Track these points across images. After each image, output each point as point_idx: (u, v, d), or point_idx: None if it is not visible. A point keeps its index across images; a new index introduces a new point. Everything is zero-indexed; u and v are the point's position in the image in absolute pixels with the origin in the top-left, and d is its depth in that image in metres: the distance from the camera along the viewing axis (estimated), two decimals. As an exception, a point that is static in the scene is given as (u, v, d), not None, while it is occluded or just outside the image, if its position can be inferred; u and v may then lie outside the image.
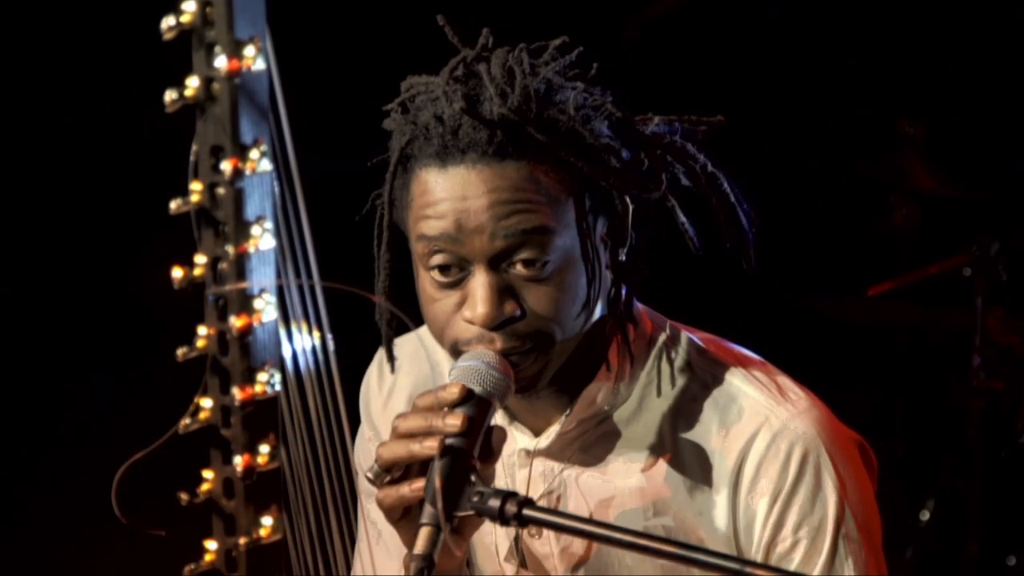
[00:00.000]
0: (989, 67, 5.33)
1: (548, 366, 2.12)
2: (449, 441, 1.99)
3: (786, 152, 5.45)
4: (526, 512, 1.89)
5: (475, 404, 2.03)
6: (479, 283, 2.08)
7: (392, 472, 2.01)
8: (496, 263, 2.08)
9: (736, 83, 5.41)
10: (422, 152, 2.09)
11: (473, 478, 1.95)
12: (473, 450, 1.99)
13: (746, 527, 2.18)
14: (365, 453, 2.37)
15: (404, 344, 2.35)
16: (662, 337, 2.24)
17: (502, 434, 2.04)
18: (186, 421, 2.25)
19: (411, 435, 2.00)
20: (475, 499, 1.92)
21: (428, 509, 1.94)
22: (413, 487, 2.00)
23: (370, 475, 2.03)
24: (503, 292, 2.08)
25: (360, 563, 2.39)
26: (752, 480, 2.17)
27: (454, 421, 1.99)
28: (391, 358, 2.24)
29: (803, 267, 5.43)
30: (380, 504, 2.03)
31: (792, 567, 2.16)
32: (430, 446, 1.97)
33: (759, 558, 2.18)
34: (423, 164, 2.09)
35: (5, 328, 4.68)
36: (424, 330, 2.35)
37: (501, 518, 1.90)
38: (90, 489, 2.48)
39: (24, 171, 4.61)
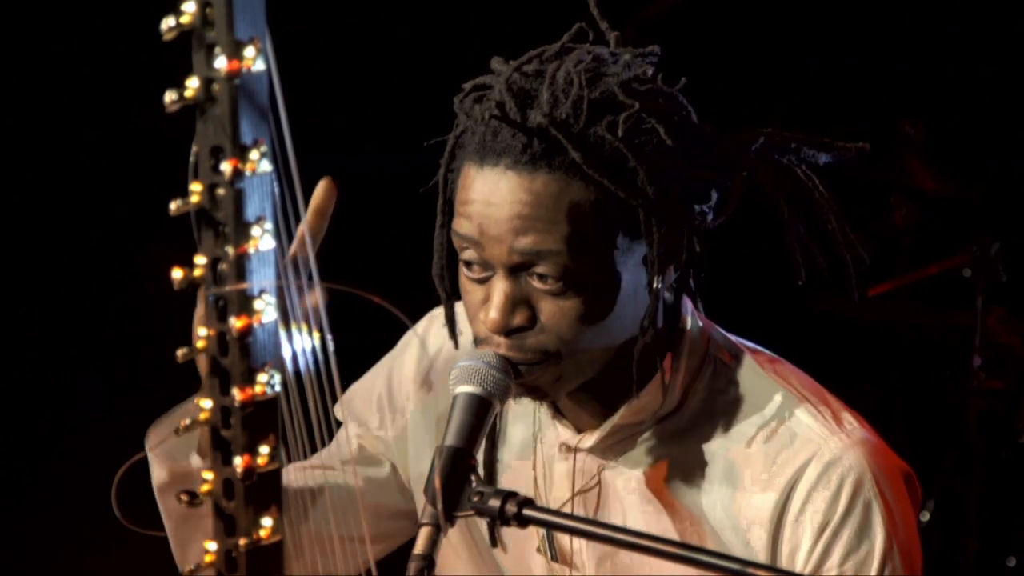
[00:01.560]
0: (989, 67, 5.33)
1: (563, 378, 2.11)
2: (449, 442, 1.99)
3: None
4: (526, 512, 1.89)
5: (476, 405, 2.03)
6: (496, 289, 2.09)
7: None
8: (516, 271, 2.08)
9: (736, 83, 5.41)
10: (467, 146, 2.10)
11: (473, 478, 1.95)
12: (474, 450, 1.99)
13: (789, 555, 2.17)
14: (367, 393, 2.42)
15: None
16: (721, 355, 2.23)
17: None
18: (186, 422, 2.24)
19: None
20: (475, 499, 1.92)
21: (428, 509, 1.94)
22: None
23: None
24: (518, 301, 2.08)
25: None
26: (800, 509, 2.16)
27: None
28: (452, 328, 2.25)
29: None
30: None
31: None
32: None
33: None
34: (467, 158, 2.10)
35: (5, 328, 4.69)
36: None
37: (501, 518, 1.90)
38: (90, 489, 2.48)
39: (24, 172, 4.61)
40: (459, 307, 2.26)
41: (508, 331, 2.08)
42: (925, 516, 5.03)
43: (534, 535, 2.27)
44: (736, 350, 2.25)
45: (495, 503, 1.91)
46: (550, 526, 1.94)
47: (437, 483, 1.93)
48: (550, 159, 2.04)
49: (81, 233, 4.68)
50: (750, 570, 1.81)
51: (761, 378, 2.23)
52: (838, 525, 2.15)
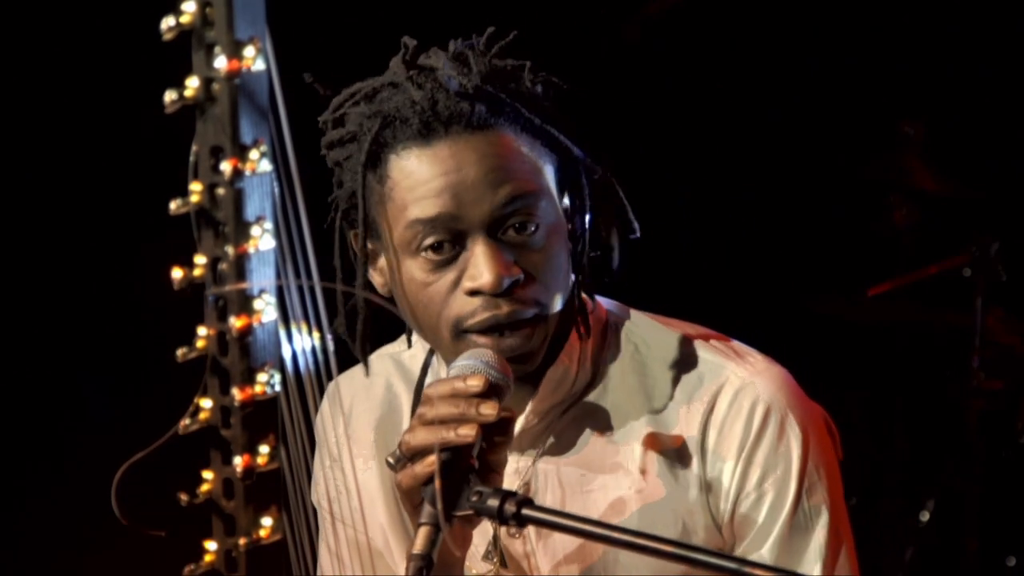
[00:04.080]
0: (989, 67, 5.33)
1: (547, 339, 2.14)
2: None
3: (786, 152, 5.45)
4: (525, 511, 1.89)
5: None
6: (480, 251, 2.08)
7: (415, 459, 2.01)
8: (493, 231, 2.09)
9: (736, 83, 5.41)
10: (398, 137, 2.10)
11: (471, 477, 1.95)
12: (472, 450, 1.99)
13: (715, 485, 2.20)
14: (326, 482, 2.39)
15: (354, 376, 2.37)
16: (617, 320, 2.27)
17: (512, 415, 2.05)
18: (186, 422, 2.24)
19: (442, 422, 2.00)
20: (474, 499, 1.92)
21: (427, 509, 1.94)
22: (425, 463, 1.99)
23: (391, 460, 2.03)
24: (504, 256, 2.09)
25: None
26: (717, 437, 2.19)
27: (489, 411, 1.99)
28: (366, 361, 2.25)
29: (803, 267, 5.43)
30: (399, 488, 2.03)
31: (759, 520, 2.19)
32: (466, 433, 1.97)
33: (727, 513, 2.20)
34: (401, 148, 2.10)
35: (5, 329, 4.68)
36: (369, 361, 2.37)
37: (500, 517, 1.90)
38: (90, 489, 2.48)
39: (24, 172, 4.61)
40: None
41: (504, 288, 2.08)
42: (925, 516, 5.03)
43: (477, 545, 2.26)
44: (627, 313, 2.29)
45: (494, 502, 1.90)
46: (549, 525, 1.94)
47: (436, 482, 1.92)
48: (495, 116, 2.09)
49: (81, 233, 4.68)
50: (747, 569, 1.81)
51: (662, 332, 2.26)
52: (753, 446, 2.19)
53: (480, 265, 2.08)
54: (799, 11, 5.39)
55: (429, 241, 2.10)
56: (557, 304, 2.13)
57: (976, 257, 4.74)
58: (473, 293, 2.09)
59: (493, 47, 2.15)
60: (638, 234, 2.25)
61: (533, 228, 2.10)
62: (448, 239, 2.09)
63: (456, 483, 1.94)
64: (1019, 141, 5.29)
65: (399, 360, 2.38)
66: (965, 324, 4.81)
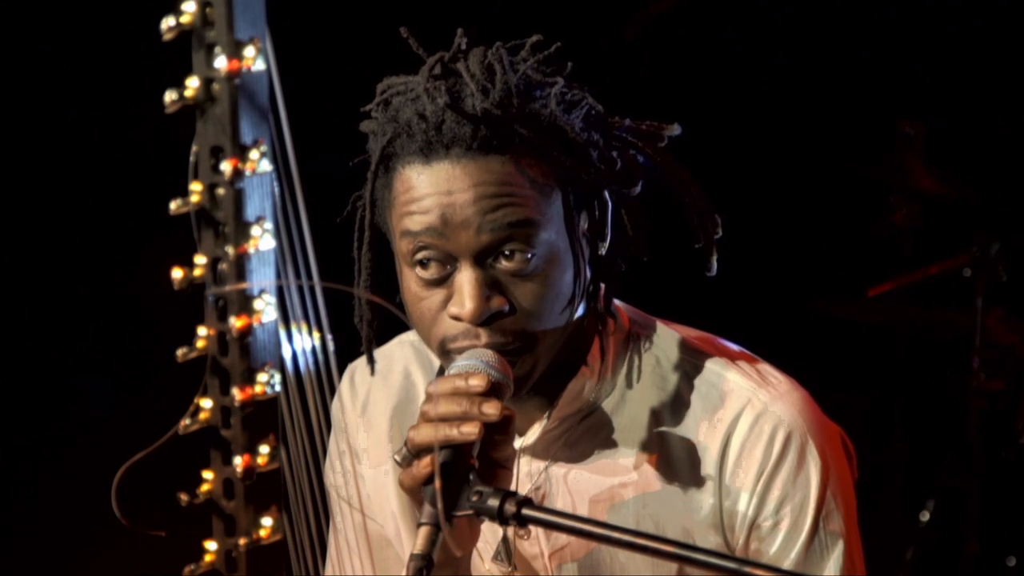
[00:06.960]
0: (989, 67, 5.33)
1: (537, 365, 2.12)
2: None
3: (786, 152, 5.45)
4: (525, 512, 1.89)
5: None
6: (465, 279, 2.08)
7: (420, 456, 2.01)
8: (482, 258, 2.08)
9: (736, 83, 5.41)
10: (405, 149, 2.09)
11: (472, 477, 1.95)
12: (472, 449, 1.99)
13: (730, 508, 2.19)
14: (338, 467, 2.39)
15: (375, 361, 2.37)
16: (641, 331, 2.26)
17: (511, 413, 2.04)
18: (186, 422, 2.24)
19: (445, 420, 2.00)
20: (474, 499, 1.92)
21: (427, 509, 1.94)
22: (423, 463, 1.99)
23: (398, 458, 2.04)
24: (490, 287, 2.08)
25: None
26: (736, 461, 2.18)
27: (492, 410, 1.99)
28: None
29: (804, 268, 5.43)
30: (401, 487, 2.03)
31: (775, 546, 2.18)
32: (469, 431, 1.97)
33: (743, 537, 2.19)
34: (406, 161, 2.10)
35: (5, 329, 4.68)
36: (389, 347, 2.38)
37: (500, 517, 1.90)
38: (90, 489, 2.48)
39: (24, 172, 4.61)
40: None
41: (486, 319, 2.08)
42: (925, 516, 5.03)
43: (488, 544, 2.26)
44: (653, 324, 2.28)
45: (494, 502, 1.90)
46: (550, 525, 1.94)
47: (437, 482, 1.92)
48: (499, 141, 2.07)
49: (81, 233, 4.67)
50: (748, 569, 1.81)
51: (685, 349, 2.25)
52: (772, 471, 2.17)
53: (462, 295, 2.07)
54: (799, 11, 5.39)
55: (419, 256, 2.09)
56: (551, 334, 2.11)
57: (976, 257, 4.73)
58: (457, 318, 2.09)
59: (530, 58, 2.12)
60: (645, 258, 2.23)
61: (528, 257, 2.08)
62: (437, 258, 2.09)
63: (456, 483, 1.94)
64: (1019, 141, 5.29)
65: (419, 347, 2.37)
66: (965, 324, 4.80)
